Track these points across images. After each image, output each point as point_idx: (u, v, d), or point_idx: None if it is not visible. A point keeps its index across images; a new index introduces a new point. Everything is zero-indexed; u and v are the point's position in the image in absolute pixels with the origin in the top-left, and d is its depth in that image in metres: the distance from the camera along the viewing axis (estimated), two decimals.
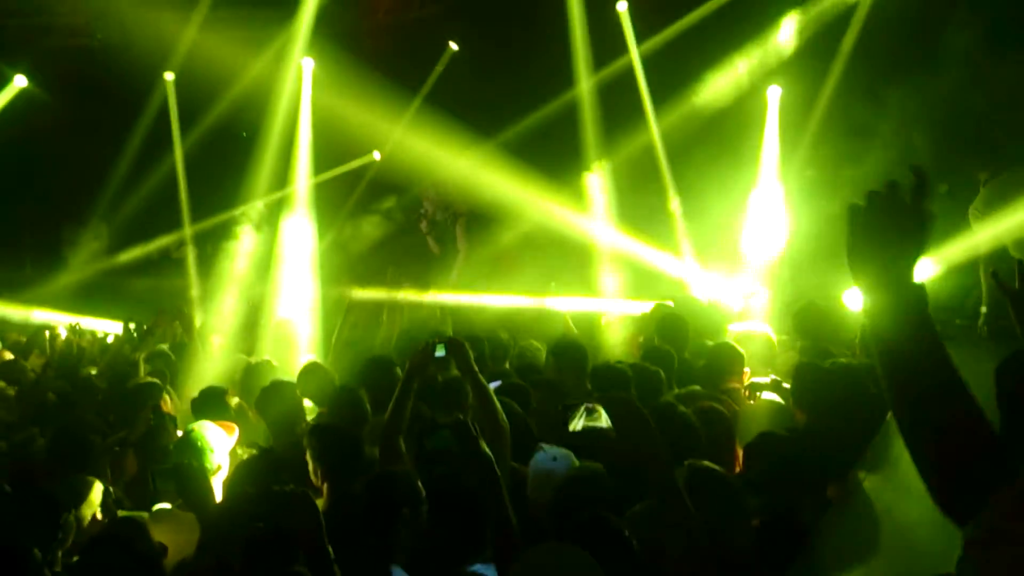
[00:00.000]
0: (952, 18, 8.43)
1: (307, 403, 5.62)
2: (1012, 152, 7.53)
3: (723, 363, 5.48)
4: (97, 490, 4.18)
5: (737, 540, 3.13)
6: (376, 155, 13.67)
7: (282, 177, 12.70)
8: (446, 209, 10.66)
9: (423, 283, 9.90)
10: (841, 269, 1.87)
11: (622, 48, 12.01)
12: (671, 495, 2.73)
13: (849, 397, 4.22)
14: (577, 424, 3.10)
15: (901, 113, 8.51)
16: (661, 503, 2.77)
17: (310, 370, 6.13)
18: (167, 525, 3.94)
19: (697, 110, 10.81)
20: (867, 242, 1.79)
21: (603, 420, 2.94)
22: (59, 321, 8.67)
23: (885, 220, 1.77)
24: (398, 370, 5.33)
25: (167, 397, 6.05)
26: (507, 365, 6.37)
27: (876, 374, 1.90)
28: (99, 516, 4.13)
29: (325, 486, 4.15)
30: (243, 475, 4.10)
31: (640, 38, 11.84)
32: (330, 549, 2.88)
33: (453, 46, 13.22)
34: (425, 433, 3.74)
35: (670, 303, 8.05)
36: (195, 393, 5.94)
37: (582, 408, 3.15)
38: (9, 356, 8.41)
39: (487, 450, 3.16)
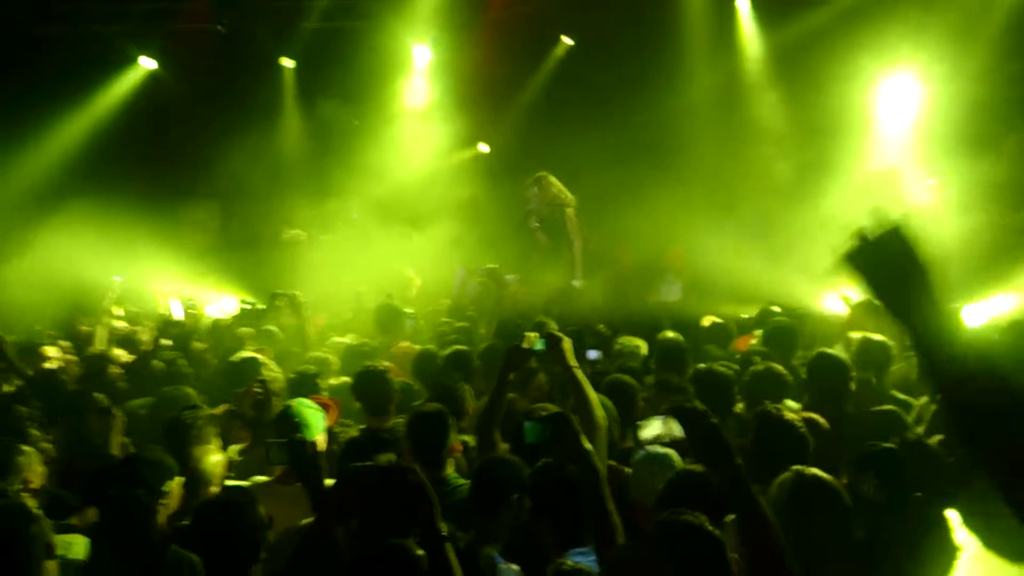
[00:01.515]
0: None
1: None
2: None
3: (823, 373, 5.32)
4: (213, 461, 4.32)
5: (837, 556, 3.06)
6: (483, 147, 13.82)
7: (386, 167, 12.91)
8: (551, 202, 10.63)
9: (536, 278, 9.95)
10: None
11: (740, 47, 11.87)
12: (743, 499, 2.67)
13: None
14: (648, 432, 3.06)
15: None
16: (735, 507, 2.71)
17: (424, 357, 6.28)
18: (269, 497, 4.05)
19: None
20: (877, 283, 1.85)
21: (677, 429, 2.88)
22: (174, 295, 8.99)
23: (875, 263, 1.85)
24: (390, 377, 5.40)
25: (273, 372, 6.21)
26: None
27: None
28: (213, 487, 4.26)
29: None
30: (351, 452, 4.19)
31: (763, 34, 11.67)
32: (444, 527, 2.92)
33: (567, 40, 13.23)
34: (523, 425, 3.76)
35: (776, 308, 7.91)
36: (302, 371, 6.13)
37: (657, 418, 3.11)
38: (125, 326, 8.81)
39: (587, 444, 3.16)
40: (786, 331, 6.46)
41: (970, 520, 3.37)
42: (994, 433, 1.68)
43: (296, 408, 4.63)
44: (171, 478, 3.94)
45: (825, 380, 5.00)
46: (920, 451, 3.65)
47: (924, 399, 4.74)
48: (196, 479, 4.19)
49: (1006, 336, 5.55)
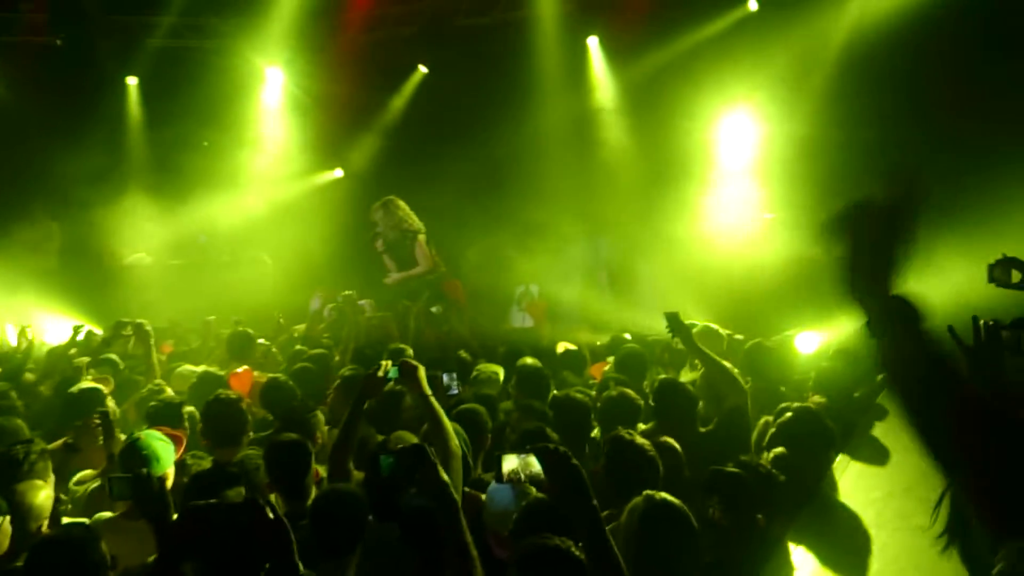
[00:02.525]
0: None
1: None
2: None
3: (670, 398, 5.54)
4: (41, 496, 4.09)
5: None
6: (338, 172, 13.73)
7: (242, 188, 12.64)
8: (397, 226, 10.61)
9: (383, 301, 9.88)
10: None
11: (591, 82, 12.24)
12: (596, 543, 2.79)
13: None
14: (507, 467, 3.13)
15: None
16: (588, 550, 2.82)
17: (273, 386, 6.16)
18: (113, 534, 3.88)
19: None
20: (853, 253, 1.89)
21: (535, 465, 2.97)
22: (7, 322, 8.49)
23: (863, 234, 1.88)
24: (241, 406, 5.33)
25: (110, 404, 5.95)
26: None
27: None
28: (45, 525, 4.04)
29: (275, 499, 4.14)
30: (196, 487, 4.07)
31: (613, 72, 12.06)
32: (299, 563, 2.87)
33: (423, 69, 13.34)
34: (377, 456, 3.74)
35: (627, 335, 8.17)
36: (143, 401, 5.91)
37: (515, 454, 3.18)
38: None
39: (444, 476, 3.18)
40: (636, 357, 6.67)
41: (806, 539, 3.56)
42: (940, 411, 1.77)
43: (144, 440, 4.47)
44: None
45: (671, 405, 5.19)
46: (758, 472, 3.81)
47: (765, 418, 4.99)
48: (24, 516, 3.95)
49: (834, 362, 5.96)
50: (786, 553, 3.47)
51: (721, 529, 3.58)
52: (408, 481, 3.27)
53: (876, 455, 4.32)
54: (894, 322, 1.84)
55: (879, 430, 4.46)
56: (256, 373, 7.30)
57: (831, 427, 4.40)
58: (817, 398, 5.50)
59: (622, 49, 11.77)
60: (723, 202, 10.74)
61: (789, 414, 4.50)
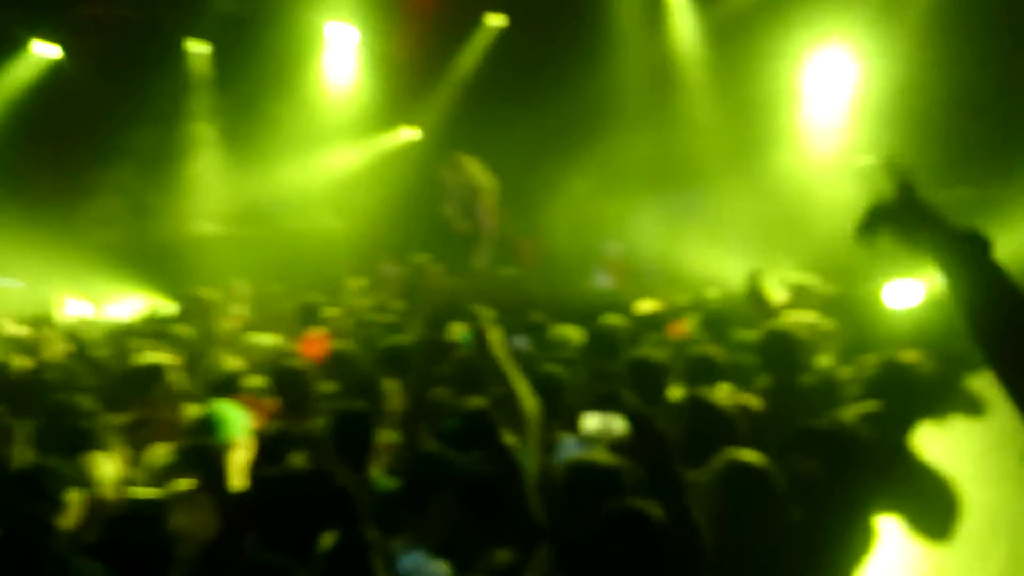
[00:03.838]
0: None
1: None
2: None
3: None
4: (108, 468, 4.21)
5: (769, 539, 3.11)
6: (411, 132, 13.71)
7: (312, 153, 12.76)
8: (465, 185, 10.55)
9: (452, 262, 9.90)
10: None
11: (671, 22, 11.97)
12: (677, 506, 2.75)
13: None
14: (588, 427, 3.09)
15: None
16: (669, 513, 2.78)
17: (338, 358, 6.24)
18: (187, 506, 3.97)
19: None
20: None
21: (617, 427, 2.93)
22: (77, 297, 8.77)
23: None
24: (307, 377, 5.37)
25: (179, 377, 6.08)
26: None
27: None
28: (109, 496, 4.15)
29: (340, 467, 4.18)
30: (263, 456, 4.13)
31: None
32: (366, 532, 2.88)
33: (494, 21, 13.19)
34: (443, 421, 3.74)
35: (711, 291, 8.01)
36: (214, 374, 6.02)
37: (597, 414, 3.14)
38: (25, 332, 8.53)
39: (505, 441, 3.15)
40: (721, 314, 6.53)
41: (890, 500, 3.45)
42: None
43: (215, 410, 4.56)
44: (70, 488, 3.83)
45: (778, 358, 5.04)
46: (845, 428, 3.71)
47: (852, 372, 4.86)
48: (92, 488, 4.06)
49: (928, 312, 5.75)
50: (870, 515, 3.37)
51: (809, 487, 3.50)
52: (473, 445, 3.26)
53: (973, 408, 4.17)
54: (962, 255, 1.72)
55: (981, 382, 4.30)
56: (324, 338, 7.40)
57: (922, 381, 4.25)
58: (911, 352, 5.29)
59: None
60: (815, 145, 10.43)
61: (877, 368, 4.36)
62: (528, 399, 4.27)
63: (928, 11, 9.40)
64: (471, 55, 13.27)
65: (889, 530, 3.31)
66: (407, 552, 3.23)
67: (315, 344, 7.14)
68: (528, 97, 11.58)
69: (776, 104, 10.69)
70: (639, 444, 2.80)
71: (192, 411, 5.18)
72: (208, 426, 4.46)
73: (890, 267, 7.10)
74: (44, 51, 12.69)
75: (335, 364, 6.17)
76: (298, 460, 3.94)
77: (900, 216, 1.87)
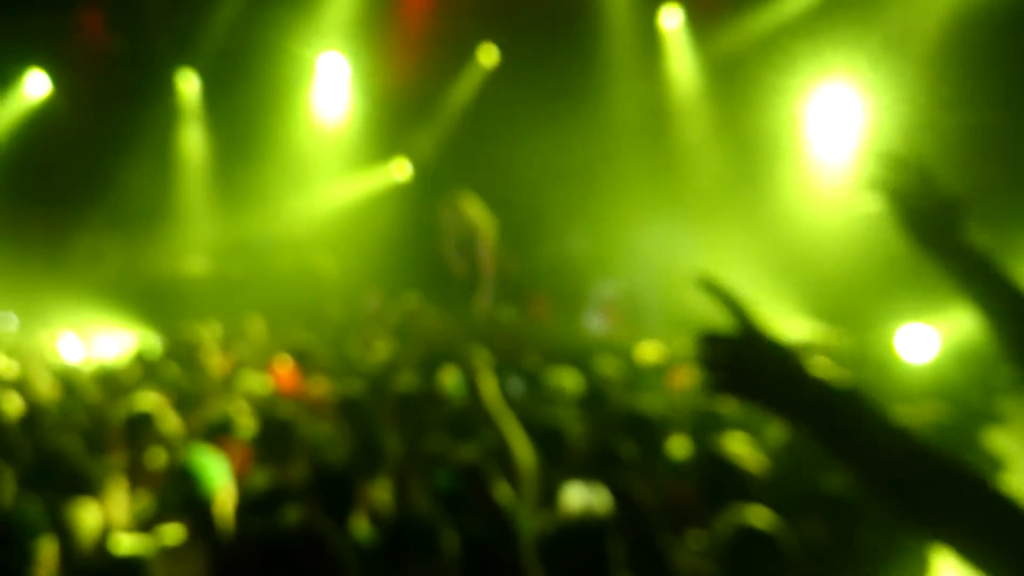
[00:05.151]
0: None
1: None
2: None
3: None
4: (91, 515, 4.15)
5: None
6: (403, 166, 13.73)
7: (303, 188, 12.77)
8: (466, 227, 10.53)
9: (448, 305, 9.88)
10: None
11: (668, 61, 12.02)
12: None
13: None
14: (571, 501, 3.05)
15: None
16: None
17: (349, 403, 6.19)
18: (171, 560, 3.92)
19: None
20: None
21: (601, 502, 2.90)
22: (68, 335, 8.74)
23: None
24: (293, 427, 5.29)
25: (169, 420, 6.04)
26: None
27: None
28: (88, 547, 4.09)
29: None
30: (249, 507, 4.10)
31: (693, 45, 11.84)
32: None
33: (486, 54, 13.23)
34: (434, 474, 3.69)
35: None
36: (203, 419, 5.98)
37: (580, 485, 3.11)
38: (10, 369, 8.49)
39: (501, 497, 3.10)
40: None
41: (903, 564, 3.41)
42: None
43: (193, 459, 4.51)
44: (43, 537, 3.77)
45: None
46: (856, 491, 3.67)
47: None
48: (71, 536, 4.00)
49: (948, 362, 5.71)
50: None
51: (818, 547, 3.47)
52: (466, 505, 3.22)
53: (994, 464, 4.12)
54: (982, 276, 1.71)
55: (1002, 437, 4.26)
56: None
57: (938, 438, 4.21)
58: (931, 406, 5.25)
59: (703, 18, 11.55)
60: (818, 183, 10.44)
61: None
62: (523, 450, 4.21)
63: (935, 48, 9.44)
64: (464, 89, 13.33)
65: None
66: None
67: (288, 378, 7.12)
68: (524, 132, 11.60)
69: (779, 141, 10.70)
70: (623, 520, 2.78)
71: (175, 458, 5.14)
72: (191, 475, 4.41)
73: (897, 309, 7.10)
74: (34, 85, 12.76)
75: (344, 410, 6.09)
76: (291, 515, 3.91)
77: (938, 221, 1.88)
